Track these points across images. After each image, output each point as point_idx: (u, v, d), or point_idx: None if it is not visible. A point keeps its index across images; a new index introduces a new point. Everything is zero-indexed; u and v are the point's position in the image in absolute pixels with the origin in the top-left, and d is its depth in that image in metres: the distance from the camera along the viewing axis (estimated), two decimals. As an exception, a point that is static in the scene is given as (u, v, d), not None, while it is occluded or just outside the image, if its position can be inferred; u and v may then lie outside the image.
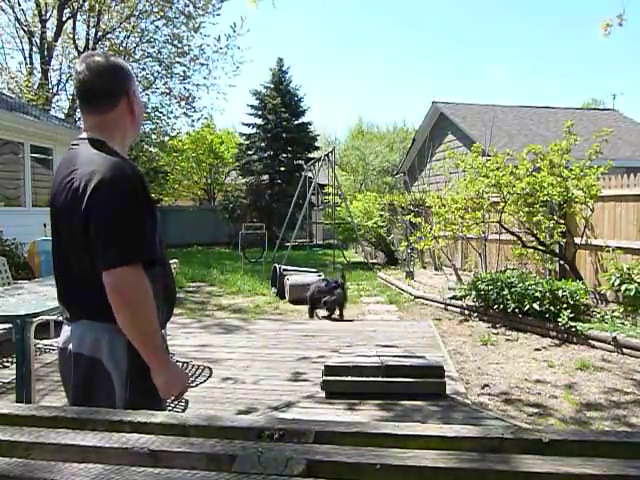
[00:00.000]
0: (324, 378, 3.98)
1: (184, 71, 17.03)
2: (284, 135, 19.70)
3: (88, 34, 16.40)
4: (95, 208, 1.43)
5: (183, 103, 17.27)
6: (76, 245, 1.50)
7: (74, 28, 16.45)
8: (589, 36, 76.61)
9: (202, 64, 17.06)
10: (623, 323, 5.50)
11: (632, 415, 3.66)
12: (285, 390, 4.15)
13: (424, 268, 11.55)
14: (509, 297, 6.26)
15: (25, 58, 16.47)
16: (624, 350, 5.04)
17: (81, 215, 1.44)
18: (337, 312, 6.92)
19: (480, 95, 79.74)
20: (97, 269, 1.44)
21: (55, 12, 15.72)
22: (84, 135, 1.62)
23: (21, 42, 16.41)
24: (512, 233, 7.44)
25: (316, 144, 21.71)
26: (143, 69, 17.20)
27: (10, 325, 3.30)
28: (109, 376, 1.49)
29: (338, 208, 13.99)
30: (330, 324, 6.68)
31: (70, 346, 1.56)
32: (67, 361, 1.57)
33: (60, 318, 1.68)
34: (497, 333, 6.08)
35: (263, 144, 20.10)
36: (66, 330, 1.61)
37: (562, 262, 7.26)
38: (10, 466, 0.78)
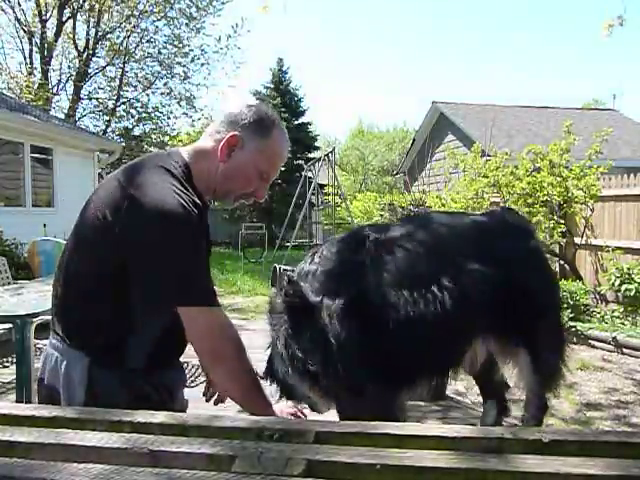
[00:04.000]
0: (324, 378, 3.97)
1: (184, 71, 17.05)
2: (284, 135, 19.68)
3: (88, 34, 16.42)
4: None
5: (183, 103, 17.28)
6: (82, 248, 1.36)
7: (74, 28, 16.46)
8: (589, 36, 76.66)
9: (202, 64, 17.09)
10: (623, 323, 5.50)
11: (632, 415, 3.65)
12: (285, 390, 4.14)
13: (424, 268, 11.53)
14: (509, 297, 6.25)
15: (25, 58, 16.49)
16: (624, 350, 5.04)
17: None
18: None
19: (480, 95, 79.76)
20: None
21: (55, 12, 15.73)
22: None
23: (21, 42, 16.43)
24: (512, 233, 7.42)
25: (316, 144, 21.69)
26: (143, 69, 17.22)
27: (10, 325, 3.30)
28: None
29: (338, 208, 13.98)
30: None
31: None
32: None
33: None
34: (497, 333, 6.07)
35: (263, 144, 20.08)
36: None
37: (562, 262, 7.25)
38: (10, 466, 0.77)
